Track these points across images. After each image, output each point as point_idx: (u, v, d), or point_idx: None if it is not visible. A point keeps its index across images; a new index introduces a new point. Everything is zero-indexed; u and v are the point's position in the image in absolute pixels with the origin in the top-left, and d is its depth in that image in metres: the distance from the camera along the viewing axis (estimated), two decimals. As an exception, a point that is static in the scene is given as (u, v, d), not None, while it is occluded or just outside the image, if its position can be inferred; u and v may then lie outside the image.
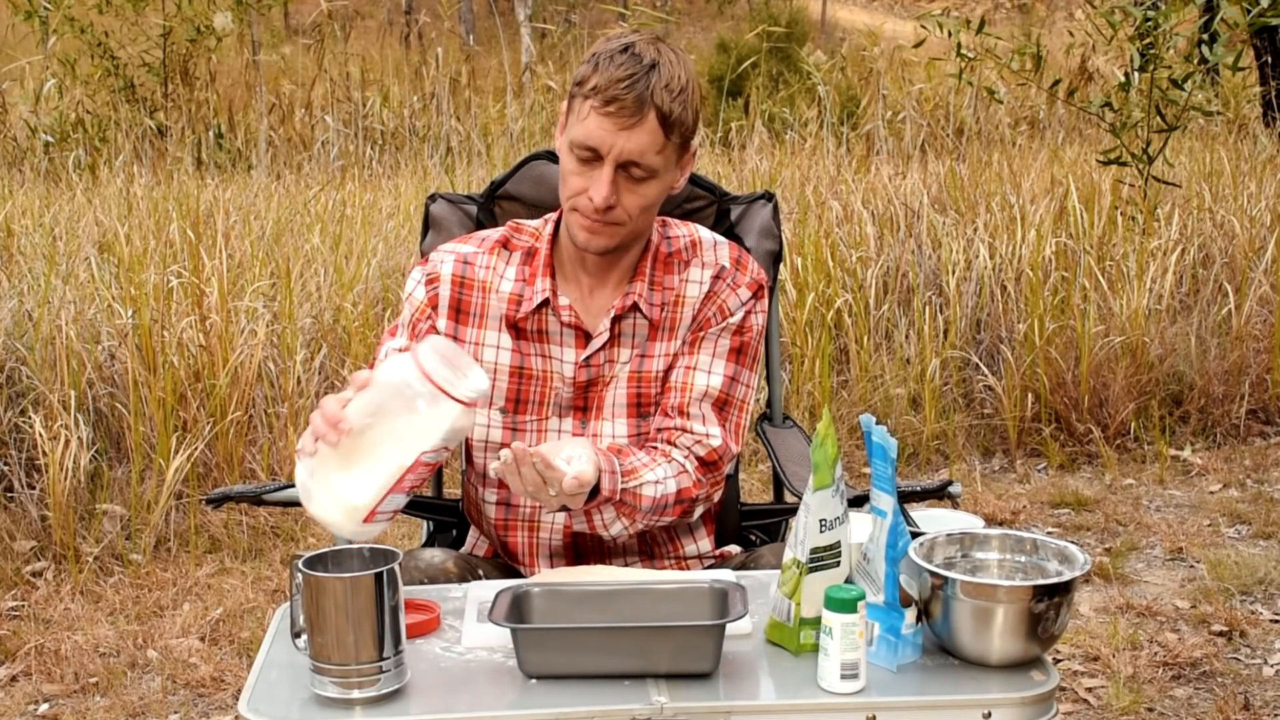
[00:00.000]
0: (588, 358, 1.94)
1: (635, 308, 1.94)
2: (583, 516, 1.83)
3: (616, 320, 1.94)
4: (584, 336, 1.94)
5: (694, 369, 1.94)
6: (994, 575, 1.62)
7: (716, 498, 1.98)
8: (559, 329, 1.94)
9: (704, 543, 2.06)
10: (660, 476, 1.85)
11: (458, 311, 1.95)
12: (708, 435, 1.91)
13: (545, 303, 1.93)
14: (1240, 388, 4.87)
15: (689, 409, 1.92)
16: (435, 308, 1.95)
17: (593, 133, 1.80)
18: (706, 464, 1.91)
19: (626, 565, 1.99)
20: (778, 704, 1.46)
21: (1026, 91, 8.74)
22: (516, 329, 1.95)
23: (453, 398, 1.55)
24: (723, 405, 1.94)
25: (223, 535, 3.95)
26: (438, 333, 1.94)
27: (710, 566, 2.04)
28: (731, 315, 1.95)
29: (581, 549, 1.98)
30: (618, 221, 1.85)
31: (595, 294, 1.95)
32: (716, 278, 1.96)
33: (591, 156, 1.82)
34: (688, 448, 1.91)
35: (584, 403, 1.95)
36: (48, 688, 3.15)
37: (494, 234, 2.00)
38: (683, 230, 2.01)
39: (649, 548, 2.01)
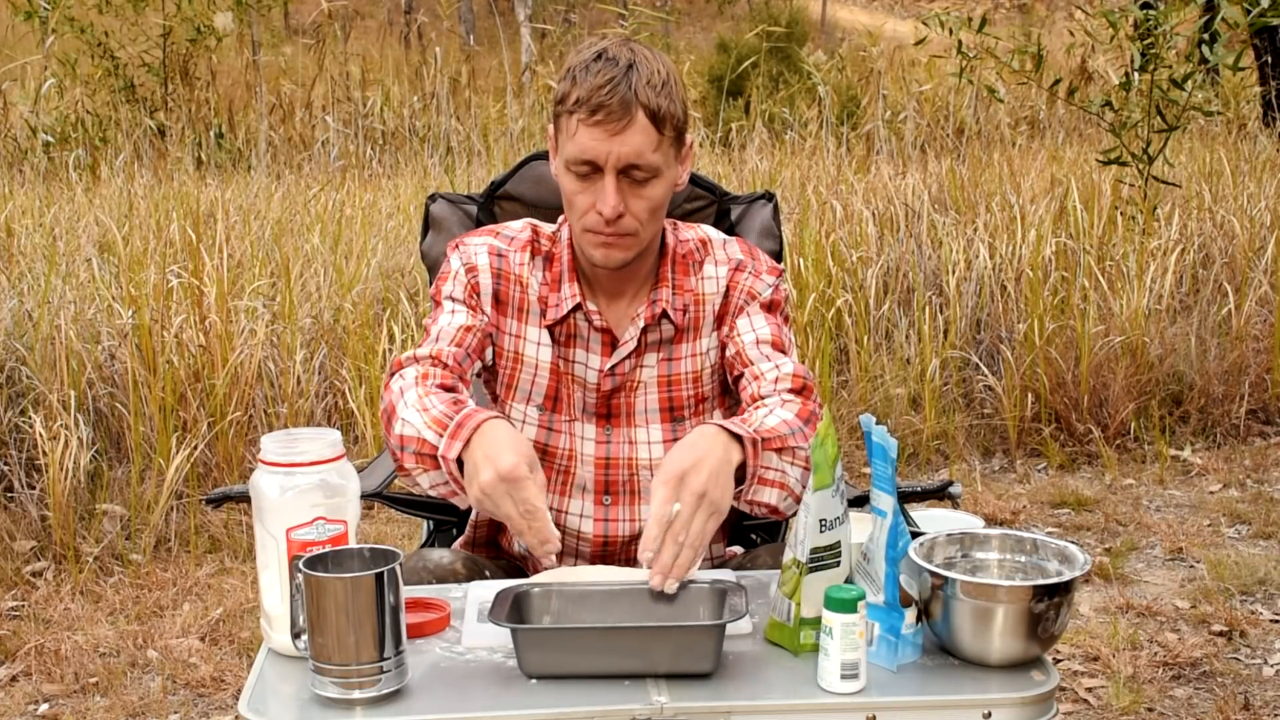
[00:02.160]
0: (613, 366, 1.93)
1: (665, 315, 1.93)
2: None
3: (646, 330, 1.93)
4: (610, 344, 1.93)
5: (740, 334, 1.93)
6: (994, 575, 1.62)
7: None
8: (588, 334, 1.93)
9: (714, 547, 2.06)
10: (766, 411, 1.80)
11: (497, 301, 1.93)
12: (779, 366, 1.88)
13: (576, 308, 1.92)
14: (1240, 388, 4.87)
15: (750, 357, 1.90)
16: (478, 294, 1.92)
17: (586, 145, 1.77)
18: (796, 391, 1.86)
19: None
20: (778, 704, 1.46)
21: (1026, 91, 8.74)
22: (549, 330, 1.94)
23: (277, 464, 1.55)
24: (778, 347, 1.92)
25: (223, 535, 3.95)
26: (485, 314, 1.91)
27: (712, 566, 2.04)
28: (759, 296, 1.96)
29: (610, 560, 1.98)
30: (629, 231, 1.83)
31: (613, 305, 1.95)
32: (735, 270, 1.96)
33: (590, 170, 1.79)
34: (773, 388, 1.86)
35: (606, 410, 1.95)
36: (48, 688, 3.15)
37: (522, 234, 1.96)
38: (690, 233, 2.01)
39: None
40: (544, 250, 1.95)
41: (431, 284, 2.02)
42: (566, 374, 1.94)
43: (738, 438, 1.66)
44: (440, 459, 1.65)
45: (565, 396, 1.94)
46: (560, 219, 1.99)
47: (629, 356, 1.93)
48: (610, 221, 1.80)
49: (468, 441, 1.63)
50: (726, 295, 1.96)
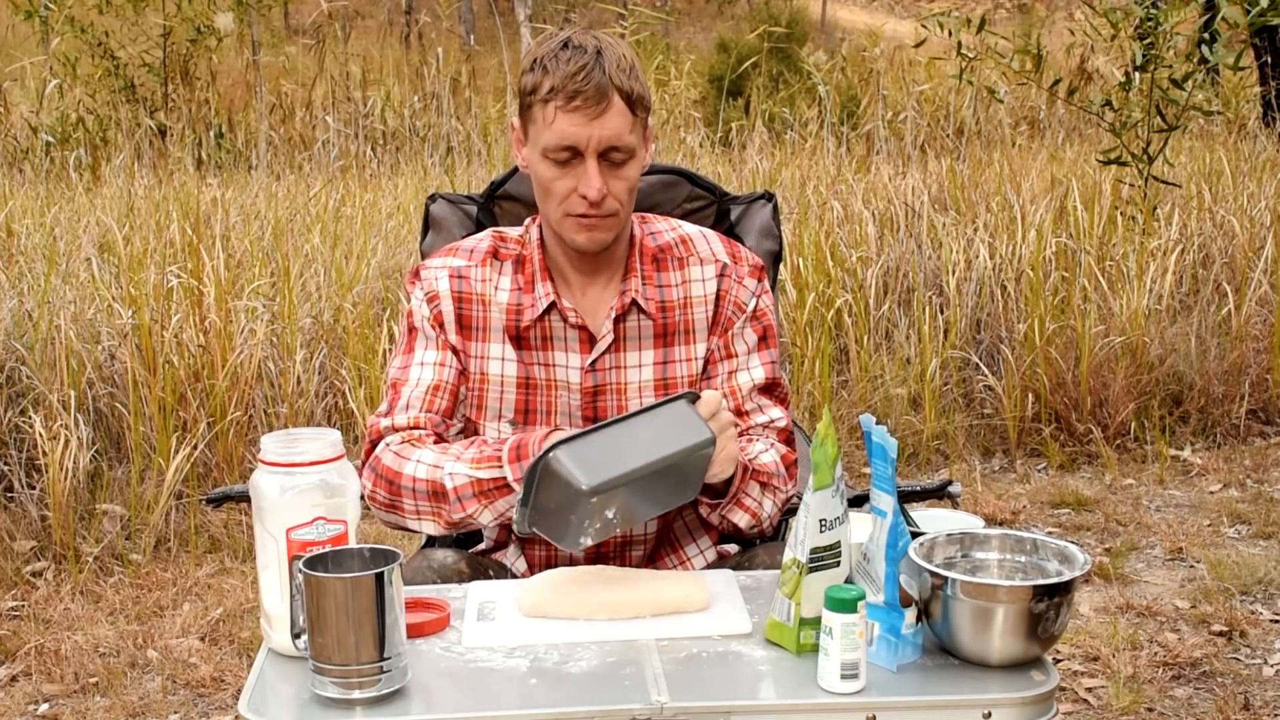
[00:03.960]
0: (593, 362, 1.93)
1: (635, 305, 1.93)
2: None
3: (619, 321, 1.93)
4: (588, 340, 1.93)
5: (735, 372, 1.97)
6: (994, 575, 1.62)
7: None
8: (564, 333, 1.93)
9: (704, 541, 2.06)
10: (764, 447, 1.92)
11: (461, 326, 1.94)
12: (772, 421, 1.97)
13: (551, 307, 1.92)
14: (1240, 388, 4.87)
15: (746, 407, 1.96)
16: (441, 325, 1.94)
17: (566, 131, 1.80)
18: (783, 442, 1.98)
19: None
20: (778, 704, 1.46)
21: (1026, 91, 8.74)
22: (518, 339, 1.94)
23: (277, 464, 1.55)
24: (771, 387, 1.99)
25: (223, 535, 3.95)
26: (452, 348, 1.94)
27: (707, 565, 2.04)
28: (746, 308, 1.99)
29: (603, 562, 1.97)
30: (611, 212, 1.85)
31: (588, 293, 1.95)
32: (721, 275, 1.98)
33: (570, 156, 1.82)
34: (762, 433, 1.96)
35: (594, 413, 1.94)
36: (48, 688, 3.15)
37: (482, 245, 1.98)
38: (664, 225, 2.02)
39: (651, 558, 2.02)
40: (513, 254, 1.96)
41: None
42: (548, 381, 1.94)
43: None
44: (518, 481, 1.75)
45: (539, 407, 1.94)
46: (527, 221, 2.00)
47: (608, 351, 1.94)
48: (595, 204, 1.83)
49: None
50: (719, 301, 1.98)
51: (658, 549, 2.02)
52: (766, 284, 2.03)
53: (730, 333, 1.97)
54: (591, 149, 1.81)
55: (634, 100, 1.82)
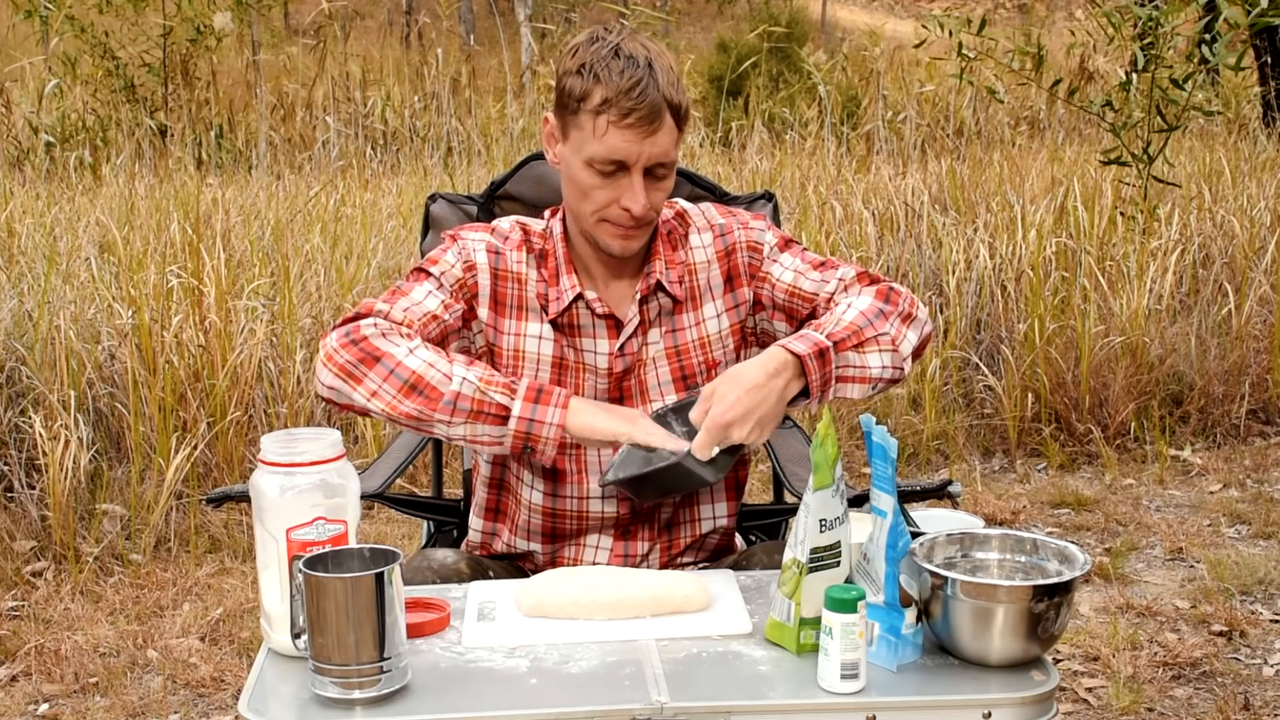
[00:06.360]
0: (622, 346, 1.95)
1: (660, 286, 1.96)
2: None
3: (643, 303, 1.95)
4: (615, 326, 1.95)
5: (780, 278, 1.96)
6: (994, 575, 1.62)
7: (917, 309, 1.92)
8: (591, 322, 1.95)
9: (722, 508, 2.06)
10: (842, 308, 1.85)
11: (496, 302, 1.94)
12: (843, 279, 1.93)
13: (578, 297, 1.93)
14: (1240, 388, 4.87)
15: (810, 290, 1.94)
16: (476, 295, 1.92)
17: (617, 146, 1.80)
18: (871, 282, 1.93)
19: (662, 539, 2.01)
20: (778, 704, 1.46)
21: (1026, 91, 8.74)
22: (552, 323, 1.95)
23: (279, 464, 1.55)
24: (822, 264, 1.97)
25: (223, 535, 3.95)
26: (469, 312, 1.92)
27: (722, 534, 2.05)
28: (763, 243, 2.00)
29: (634, 522, 1.99)
30: (649, 221, 1.88)
31: (612, 286, 1.97)
32: (722, 234, 2.00)
33: (616, 169, 1.82)
34: (844, 294, 1.91)
35: (619, 394, 1.96)
36: (48, 688, 3.15)
37: (512, 233, 1.98)
38: (666, 212, 2.04)
39: (668, 526, 2.03)
40: (537, 249, 1.97)
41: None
42: (577, 364, 1.95)
43: (799, 360, 1.75)
44: (522, 418, 1.75)
45: (568, 387, 1.95)
46: (548, 214, 2.00)
47: (635, 334, 1.95)
48: (637, 217, 1.84)
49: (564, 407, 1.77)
50: (729, 256, 1.99)
51: (681, 506, 2.03)
52: (772, 223, 2.05)
53: (761, 270, 1.98)
54: (640, 165, 1.81)
55: (682, 115, 1.84)
